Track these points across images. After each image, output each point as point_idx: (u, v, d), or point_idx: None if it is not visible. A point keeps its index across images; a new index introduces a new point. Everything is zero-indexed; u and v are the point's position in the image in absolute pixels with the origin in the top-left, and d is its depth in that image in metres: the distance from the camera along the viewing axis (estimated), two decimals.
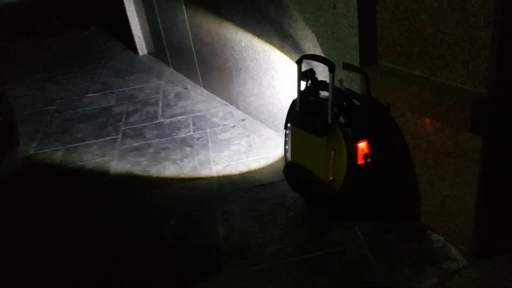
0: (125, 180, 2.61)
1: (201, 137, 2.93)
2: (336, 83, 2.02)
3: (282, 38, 2.37)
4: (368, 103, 1.87)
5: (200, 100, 3.46)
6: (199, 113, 3.25)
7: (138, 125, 3.21)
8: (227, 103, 3.31)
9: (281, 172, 2.37)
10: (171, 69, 4.15)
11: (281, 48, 2.43)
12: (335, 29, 1.92)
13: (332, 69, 1.75)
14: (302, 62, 1.91)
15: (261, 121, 2.96)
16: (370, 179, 1.85)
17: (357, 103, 1.90)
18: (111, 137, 3.10)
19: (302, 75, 1.95)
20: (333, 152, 1.83)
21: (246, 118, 3.07)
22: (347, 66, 1.90)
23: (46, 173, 2.80)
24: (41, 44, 5.37)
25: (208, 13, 3.03)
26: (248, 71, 2.85)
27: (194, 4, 3.19)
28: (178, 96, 3.59)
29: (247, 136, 2.86)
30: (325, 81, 1.96)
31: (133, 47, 4.71)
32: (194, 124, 3.11)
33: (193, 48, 3.49)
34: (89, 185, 2.63)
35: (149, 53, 4.67)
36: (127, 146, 2.96)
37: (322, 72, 2.08)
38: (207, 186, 2.44)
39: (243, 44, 2.78)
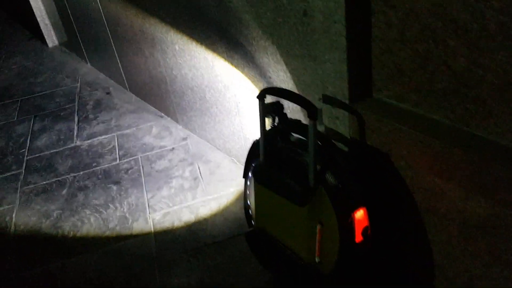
0: (29, 243, 1.94)
1: (131, 168, 2.28)
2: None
3: (230, 46, 1.75)
4: (361, 151, 1.33)
5: (127, 110, 2.77)
6: (126, 130, 2.58)
7: (47, 152, 2.49)
8: (162, 114, 2.66)
9: (239, 220, 1.82)
10: (88, 65, 3.39)
11: (229, 59, 1.81)
12: (307, 44, 1.34)
13: (313, 115, 1.18)
14: (265, 97, 1.32)
15: (208, 141, 2.35)
16: (371, 257, 1.33)
17: (344, 149, 1.36)
18: (12, 173, 2.37)
19: (265, 111, 1.36)
20: (319, 226, 1.29)
21: (187, 136, 2.44)
22: (328, 100, 1.34)
23: None
24: None
25: (127, 4, 2.32)
26: (186, 80, 2.21)
27: None
28: (98, 104, 2.88)
29: (191, 163, 2.25)
30: (299, 121, 1.39)
31: (40, 36, 3.84)
32: (120, 148, 2.44)
33: (112, 43, 2.76)
34: None
35: (60, 44, 3.83)
36: (32, 186, 2.25)
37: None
38: (142, 249, 1.83)
39: (177, 48, 2.12)
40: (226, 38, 1.75)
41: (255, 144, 1.47)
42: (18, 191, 2.23)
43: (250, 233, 1.54)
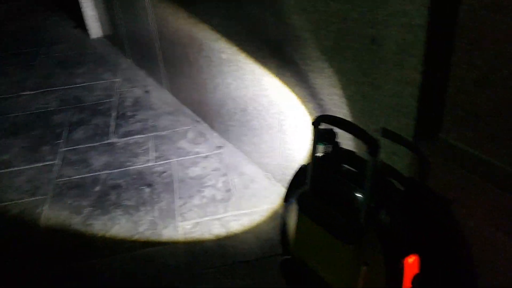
0: (58, 239, 1.93)
1: (165, 171, 2.26)
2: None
3: (283, 63, 1.71)
4: (419, 193, 1.26)
5: (165, 111, 2.76)
6: (162, 132, 2.56)
7: (83, 146, 2.49)
8: (199, 119, 2.63)
9: (271, 241, 1.78)
10: (129, 61, 3.39)
11: (280, 75, 1.76)
12: (371, 73, 1.28)
13: (374, 151, 1.12)
14: (319, 125, 1.27)
15: (244, 153, 2.31)
16: None
17: (405, 191, 1.29)
18: (47, 163, 2.37)
19: (318, 138, 1.31)
20: (364, 267, 1.22)
21: (223, 145, 2.41)
22: (388, 134, 1.27)
23: None
24: None
25: (179, 6, 2.30)
26: (228, 90, 2.17)
27: None
28: (137, 102, 2.87)
29: (225, 174, 2.21)
30: (353, 152, 1.33)
31: (85, 26, 3.88)
32: (156, 149, 2.42)
33: (157, 44, 2.75)
34: (9, 247, 1.93)
35: (104, 36, 3.86)
36: (65, 179, 2.25)
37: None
38: (170, 258, 1.79)
39: (223, 57, 2.08)
40: (279, 55, 1.70)
41: (302, 170, 1.42)
42: (52, 183, 2.23)
43: (285, 261, 1.49)
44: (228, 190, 2.11)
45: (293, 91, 1.71)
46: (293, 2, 1.51)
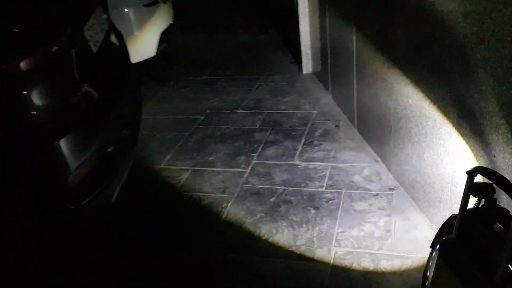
0: (233, 232, 2.29)
1: (333, 199, 2.43)
2: None
3: (462, 114, 1.71)
4: None
5: (349, 146, 2.93)
6: (341, 164, 2.74)
7: (271, 162, 2.86)
8: (378, 159, 2.72)
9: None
10: (329, 96, 3.69)
11: (457, 126, 1.76)
12: None
13: None
14: (475, 175, 1.26)
15: (413, 199, 2.31)
16: None
17: None
18: (239, 169, 2.81)
19: (472, 190, 1.30)
20: None
21: (395, 187, 2.45)
22: None
23: (161, 199, 2.65)
24: (216, 41, 5.44)
25: (378, 51, 2.47)
26: (409, 135, 2.23)
27: (365, 36, 2.66)
28: (325, 133, 3.13)
29: (389, 215, 2.25)
30: (508, 211, 1.28)
31: (299, 62, 4.38)
32: (330, 178, 2.62)
33: (354, 83, 2.97)
34: (195, 229, 2.37)
35: (313, 72, 4.28)
36: (250, 185, 2.63)
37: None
38: (317, 276, 1.95)
39: (410, 102, 2.16)
40: (459, 105, 1.71)
41: (452, 219, 1.41)
42: (239, 186, 2.64)
43: None
44: (388, 231, 2.15)
45: (468, 143, 1.69)
46: (479, 56, 1.53)
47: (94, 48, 1.82)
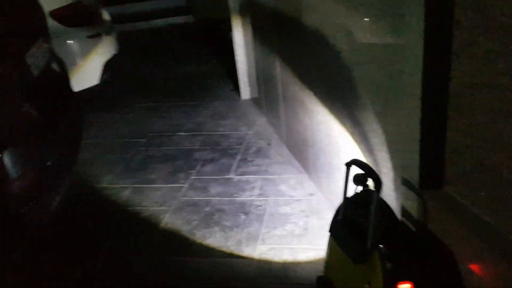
0: (170, 239, 2.52)
1: (261, 206, 2.73)
2: (393, 199, 1.67)
3: (354, 124, 2.08)
4: (423, 235, 1.48)
5: (278, 161, 3.27)
6: (270, 176, 3.06)
7: (208, 177, 3.13)
8: (303, 170, 3.06)
9: None
10: (264, 119, 4.05)
11: (352, 135, 2.13)
12: (400, 134, 1.59)
13: (378, 187, 1.43)
14: (351, 166, 1.61)
15: (330, 202, 2.65)
16: None
17: (411, 229, 1.53)
18: (178, 185, 3.06)
19: (352, 179, 1.64)
20: (367, 285, 1.48)
21: (315, 193, 2.79)
22: (405, 183, 1.55)
23: (103, 213, 2.85)
24: (161, 72, 5.74)
25: (295, 77, 2.85)
26: (321, 146, 2.59)
27: (285, 65, 3.04)
28: (258, 151, 3.45)
29: (308, 216, 2.58)
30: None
31: (238, 89, 4.73)
32: (260, 188, 2.92)
33: (281, 106, 3.34)
34: (136, 237, 2.59)
35: (251, 98, 4.64)
36: (187, 198, 2.89)
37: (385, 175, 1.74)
38: (244, 269, 2.22)
39: (319, 118, 2.53)
40: (352, 117, 2.08)
41: (340, 207, 1.74)
42: (177, 199, 2.89)
43: (319, 278, 1.79)
44: (306, 229, 2.47)
45: (361, 149, 2.05)
46: (358, 76, 1.91)
47: (35, 73, 2.06)
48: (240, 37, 4.46)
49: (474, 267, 1.31)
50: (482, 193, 1.30)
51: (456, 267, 1.38)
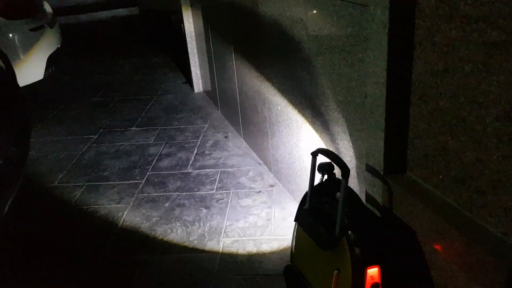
0: (130, 237, 2.44)
1: (222, 199, 2.71)
2: (357, 186, 1.71)
3: (314, 114, 2.10)
4: (388, 220, 1.53)
5: (236, 153, 3.25)
6: (229, 169, 3.04)
7: (165, 172, 3.06)
8: (261, 162, 3.07)
9: None
10: (219, 112, 4.01)
11: (313, 124, 2.15)
12: (364, 121, 1.62)
13: (345, 175, 1.45)
14: (317, 155, 1.62)
15: (289, 192, 2.68)
16: None
17: (377, 215, 1.57)
18: (134, 181, 2.97)
19: (317, 168, 1.66)
20: (336, 271, 1.51)
21: (275, 184, 2.80)
22: (369, 169, 1.58)
23: (57, 214, 2.72)
24: (109, 66, 5.53)
25: (252, 68, 2.84)
26: (281, 136, 2.60)
27: (241, 56, 3.02)
28: (215, 144, 3.42)
29: (269, 207, 2.59)
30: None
31: (191, 82, 4.66)
32: (220, 181, 2.90)
33: (238, 98, 3.32)
34: (93, 237, 2.49)
35: (204, 91, 4.59)
36: (145, 195, 2.81)
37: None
38: (207, 264, 2.19)
39: (279, 108, 2.54)
40: (312, 106, 2.11)
41: (305, 196, 1.75)
42: (134, 196, 2.80)
43: (287, 268, 1.80)
44: (269, 220, 2.48)
45: (321, 137, 2.08)
46: (319, 65, 1.93)
47: None
48: (191, 28, 4.38)
49: (438, 246, 1.37)
50: (441, 176, 1.35)
51: (420, 248, 1.44)
